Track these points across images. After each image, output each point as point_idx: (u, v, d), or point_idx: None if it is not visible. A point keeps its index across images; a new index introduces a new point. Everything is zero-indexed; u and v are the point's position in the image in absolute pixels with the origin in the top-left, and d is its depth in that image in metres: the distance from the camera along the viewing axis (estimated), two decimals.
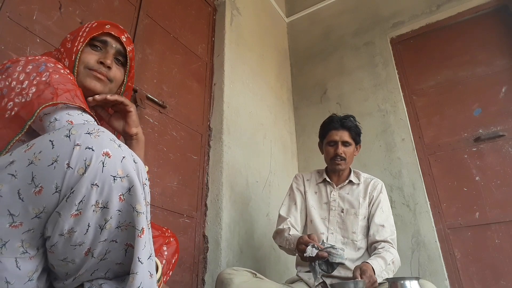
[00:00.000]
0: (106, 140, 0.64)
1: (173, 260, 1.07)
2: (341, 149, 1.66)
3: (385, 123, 2.61)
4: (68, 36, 0.98)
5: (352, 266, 1.53)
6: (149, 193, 0.72)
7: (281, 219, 1.70)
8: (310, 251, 1.29)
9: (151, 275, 0.68)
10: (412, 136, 2.50)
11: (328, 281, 1.50)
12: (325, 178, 1.74)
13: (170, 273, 1.06)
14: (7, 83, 0.79)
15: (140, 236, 0.66)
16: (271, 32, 3.16)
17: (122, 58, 1.00)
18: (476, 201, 2.23)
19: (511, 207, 2.12)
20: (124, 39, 0.99)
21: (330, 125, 1.71)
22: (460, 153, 2.38)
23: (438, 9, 2.72)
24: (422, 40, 2.79)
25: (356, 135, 1.70)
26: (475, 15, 2.64)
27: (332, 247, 1.28)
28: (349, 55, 3.00)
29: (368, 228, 1.62)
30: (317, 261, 1.30)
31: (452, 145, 2.41)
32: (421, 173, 2.37)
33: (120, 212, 0.65)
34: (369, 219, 1.63)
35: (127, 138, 0.98)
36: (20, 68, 0.81)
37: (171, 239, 1.08)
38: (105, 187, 0.63)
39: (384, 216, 1.60)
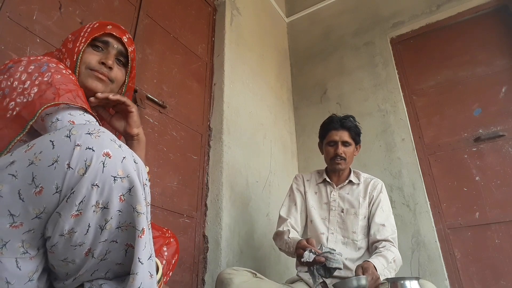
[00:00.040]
0: (106, 140, 0.64)
1: (173, 261, 1.07)
2: (341, 149, 1.66)
3: (385, 123, 2.61)
4: (70, 36, 0.98)
5: (352, 266, 1.53)
6: (150, 193, 0.72)
7: (281, 220, 1.70)
8: (307, 256, 1.29)
9: (151, 275, 0.68)
10: (412, 136, 2.50)
11: (329, 281, 1.50)
12: (325, 178, 1.75)
13: (170, 273, 1.06)
14: (9, 83, 0.79)
15: (140, 237, 0.66)
16: (271, 32, 3.16)
17: (123, 59, 1.00)
18: (476, 201, 2.23)
19: (511, 207, 2.12)
20: (126, 40, 0.99)
21: (330, 125, 1.72)
22: (460, 153, 2.38)
23: (438, 9, 2.72)
24: (422, 40, 2.79)
25: (356, 135, 1.70)
26: (475, 15, 2.64)
27: (329, 252, 1.28)
28: (349, 55, 3.00)
29: (368, 228, 1.62)
30: (314, 266, 1.30)
31: (452, 145, 2.41)
32: (421, 173, 2.37)
33: (120, 213, 0.65)
34: (370, 218, 1.63)
35: (128, 139, 0.98)
36: (22, 68, 0.81)
37: (171, 239, 1.08)
38: (106, 187, 0.63)
39: (385, 216, 1.60)
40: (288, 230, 1.59)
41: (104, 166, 0.62)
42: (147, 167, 0.80)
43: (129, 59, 1.01)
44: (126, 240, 0.68)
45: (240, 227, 2.06)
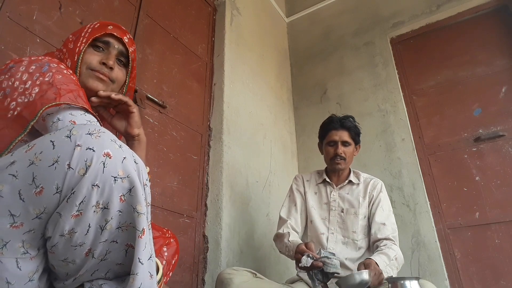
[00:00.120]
0: (107, 140, 0.64)
1: (173, 261, 1.07)
2: (341, 149, 1.67)
3: (385, 123, 2.61)
4: (71, 36, 0.98)
5: (352, 266, 1.53)
6: (150, 193, 0.72)
7: (281, 221, 1.70)
8: (305, 261, 1.29)
9: (151, 275, 0.68)
10: (412, 136, 2.50)
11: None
12: (325, 179, 1.75)
13: (170, 273, 1.06)
14: (10, 83, 0.79)
15: (140, 237, 0.66)
16: (271, 32, 3.16)
17: (124, 59, 1.01)
18: (476, 201, 2.23)
19: (511, 207, 2.12)
20: (126, 40, 1.00)
21: (329, 125, 1.72)
22: (460, 153, 2.38)
23: (438, 9, 2.72)
24: (422, 40, 2.79)
25: (355, 135, 1.71)
26: (475, 15, 2.64)
27: (327, 257, 1.29)
28: (349, 55, 3.00)
29: (369, 227, 1.63)
30: (313, 271, 1.30)
31: (452, 145, 2.41)
32: (421, 173, 2.38)
33: (120, 213, 0.65)
34: (370, 218, 1.63)
35: (129, 139, 0.98)
36: (23, 68, 0.82)
37: (171, 240, 1.08)
38: (106, 187, 0.63)
39: (385, 215, 1.61)
40: (288, 232, 1.59)
41: (104, 167, 0.62)
42: (148, 168, 0.80)
43: (130, 59, 1.01)
44: (126, 240, 0.68)
45: (240, 227, 2.06)
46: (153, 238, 0.84)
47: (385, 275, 1.34)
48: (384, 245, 1.49)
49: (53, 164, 0.60)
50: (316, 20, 3.35)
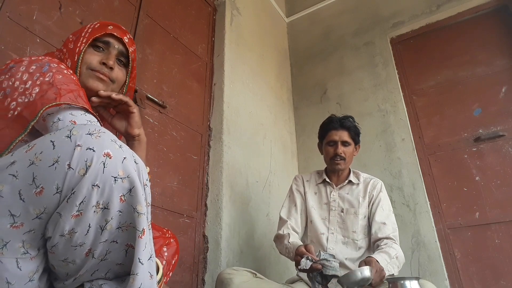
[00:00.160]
0: (107, 140, 0.64)
1: (173, 261, 1.07)
2: (341, 148, 1.67)
3: (385, 123, 2.61)
4: (71, 36, 0.98)
5: (352, 266, 1.53)
6: (150, 193, 0.72)
7: (281, 221, 1.70)
8: (304, 264, 1.29)
9: (151, 276, 0.68)
10: (412, 136, 2.50)
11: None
12: (324, 179, 1.75)
13: (170, 274, 1.06)
14: (10, 83, 0.79)
15: (140, 237, 0.66)
16: (271, 32, 3.16)
17: (124, 59, 1.01)
18: (476, 201, 2.23)
19: (511, 207, 2.13)
20: (127, 40, 1.00)
21: (329, 125, 1.72)
22: (460, 153, 2.38)
23: (438, 9, 2.72)
24: (422, 40, 2.79)
25: (355, 135, 1.71)
26: (475, 15, 2.64)
27: (326, 259, 1.29)
28: (349, 55, 3.00)
29: (369, 227, 1.63)
30: (312, 273, 1.30)
31: (452, 145, 2.41)
32: (421, 173, 2.38)
33: (120, 213, 0.65)
34: (370, 218, 1.63)
35: (129, 139, 0.98)
36: (24, 68, 0.82)
37: (171, 240, 1.08)
38: (106, 188, 0.63)
39: (385, 214, 1.61)
40: (288, 234, 1.59)
41: (104, 167, 0.62)
42: (148, 168, 0.80)
43: (130, 59, 1.01)
44: (126, 240, 0.68)
45: (240, 227, 2.06)
46: (153, 238, 0.84)
47: (387, 273, 1.33)
48: (384, 244, 1.49)
49: (53, 164, 0.60)
50: (316, 20, 3.35)
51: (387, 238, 1.53)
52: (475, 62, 2.53)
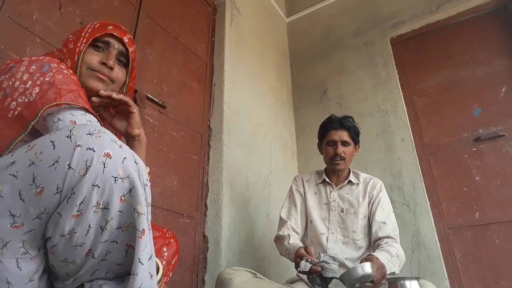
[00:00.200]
0: (107, 141, 0.64)
1: (173, 261, 1.07)
2: (341, 148, 1.67)
3: (385, 123, 2.61)
4: (71, 36, 0.98)
5: (352, 266, 1.53)
6: (150, 193, 0.72)
7: (281, 222, 1.71)
8: (304, 266, 1.30)
9: (151, 276, 0.68)
10: (412, 136, 2.50)
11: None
12: (324, 179, 1.75)
13: (170, 274, 1.06)
14: (10, 83, 0.79)
15: (140, 237, 0.66)
16: (271, 32, 3.16)
17: (124, 59, 1.01)
18: (476, 201, 2.23)
19: (511, 207, 2.13)
20: (127, 40, 1.00)
21: (329, 125, 1.72)
22: (460, 153, 2.38)
23: (438, 9, 2.72)
24: (422, 40, 2.79)
25: (355, 135, 1.71)
26: (475, 15, 2.64)
27: (325, 261, 1.29)
28: (349, 55, 3.00)
29: (369, 227, 1.63)
30: (311, 275, 1.30)
31: (452, 145, 2.41)
32: (421, 173, 2.38)
33: (121, 213, 0.65)
34: (370, 217, 1.63)
35: (129, 139, 0.98)
36: (24, 68, 0.82)
37: (171, 240, 1.08)
38: (106, 188, 0.63)
39: (385, 214, 1.61)
40: (289, 235, 1.59)
41: (104, 167, 0.62)
42: (148, 168, 0.80)
43: (130, 59, 1.01)
44: (126, 240, 0.68)
45: (240, 227, 2.06)
46: (153, 238, 0.84)
47: (388, 271, 1.33)
48: (385, 243, 1.49)
49: (53, 164, 0.60)
50: (316, 20, 3.35)
51: (387, 237, 1.53)
52: (475, 62, 2.53)
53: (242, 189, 2.18)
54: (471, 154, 2.34)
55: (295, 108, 3.13)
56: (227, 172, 2.08)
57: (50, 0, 1.50)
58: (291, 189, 1.80)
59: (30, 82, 0.79)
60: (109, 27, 0.97)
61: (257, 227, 2.20)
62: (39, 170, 0.60)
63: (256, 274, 1.46)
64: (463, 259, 2.16)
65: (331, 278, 1.28)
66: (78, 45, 0.93)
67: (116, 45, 0.98)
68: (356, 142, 1.73)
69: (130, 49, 1.00)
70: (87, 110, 0.80)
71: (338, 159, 1.67)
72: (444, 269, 2.11)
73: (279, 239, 1.64)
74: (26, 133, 0.75)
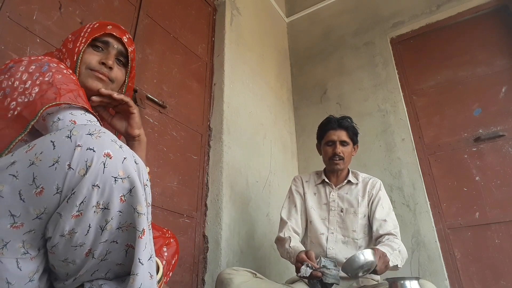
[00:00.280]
0: (107, 141, 0.64)
1: (173, 261, 1.07)
2: (339, 148, 1.67)
3: (385, 123, 2.61)
4: (70, 36, 0.98)
5: None
6: (150, 194, 0.72)
7: (282, 222, 1.71)
8: (304, 271, 1.29)
9: (151, 276, 0.68)
10: (412, 136, 2.50)
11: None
12: (324, 179, 1.75)
13: (170, 274, 1.06)
14: (9, 83, 0.79)
15: (140, 237, 0.66)
16: (271, 32, 3.16)
17: (123, 59, 1.01)
18: (476, 201, 2.23)
19: (511, 207, 2.13)
20: (126, 40, 0.99)
21: (328, 125, 1.73)
22: (460, 153, 2.38)
23: (438, 9, 2.72)
24: (422, 40, 2.79)
25: (353, 134, 1.71)
26: (475, 15, 2.64)
27: (326, 267, 1.28)
28: (349, 55, 3.00)
29: (369, 226, 1.63)
30: (312, 280, 1.30)
31: (452, 145, 2.41)
32: (421, 173, 2.38)
33: (121, 213, 0.65)
34: (370, 216, 1.63)
35: (129, 139, 0.98)
36: (23, 68, 0.82)
37: (171, 240, 1.08)
38: (106, 188, 0.62)
39: (385, 212, 1.61)
40: (289, 237, 1.58)
41: (104, 167, 0.62)
42: (148, 168, 0.80)
43: (129, 59, 1.01)
44: (126, 240, 0.68)
45: (240, 227, 2.06)
46: (153, 238, 0.84)
47: (391, 264, 1.33)
48: (386, 239, 1.50)
49: (53, 164, 0.60)
50: (316, 20, 3.35)
51: (388, 234, 1.53)
52: (475, 62, 2.53)
53: (242, 189, 2.18)
54: (471, 154, 2.34)
55: (295, 108, 3.13)
56: (227, 172, 2.08)
57: (50, 0, 1.50)
58: (290, 189, 1.80)
59: (29, 82, 0.79)
60: (108, 27, 0.97)
61: (257, 227, 2.20)
62: (39, 170, 0.60)
63: (256, 274, 1.46)
64: (463, 259, 2.16)
65: (332, 284, 1.28)
66: (77, 45, 0.93)
67: (116, 44, 0.98)
68: (355, 142, 1.73)
69: (130, 49, 1.00)
70: (86, 110, 0.80)
71: (337, 159, 1.67)
72: (444, 269, 2.11)
73: (280, 241, 1.64)
74: (25, 132, 0.75)
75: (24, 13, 1.38)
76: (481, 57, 2.52)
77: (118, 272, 0.72)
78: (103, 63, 0.94)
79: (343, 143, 1.69)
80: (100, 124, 0.82)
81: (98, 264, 0.68)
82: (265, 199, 2.35)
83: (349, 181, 1.72)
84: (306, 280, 1.44)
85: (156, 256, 0.97)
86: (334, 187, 1.73)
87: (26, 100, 0.76)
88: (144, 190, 0.68)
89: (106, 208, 0.64)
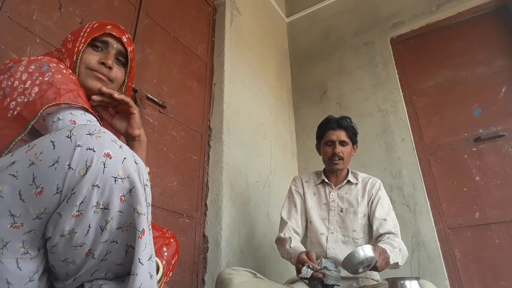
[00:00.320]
0: (107, 141, 0.64)
1: (173, 261, 1.07)
2: (339, 148, 1.67)
3: (385, 123, 2.61)
4: (69, 36, 0.98)
5: None
6: (150, 194, 0.72)
7: (282, 222, 1.71)
8: (305, 272, 1.29)
9: (151, 276, 0.68)
10: (412, 136, 2.50)
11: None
12: (323, 179, 1.75)
13: (170, 273, 1.06)
14: (9, 83, 0.79)
15: (140, 237, 0.66)
16: (271, 32, 3.16)
17: (123, 59, 1.01)
18: (476, 201, 2.23)
19: (511, 207, 2.12)
20: (125, 40, 0.99)
21: (327, 125, 1.73)
22: (460, 153, 2.38)
23: (438, 9, 2.72)
24: (422, 40, 2.79)
25: (353, 134, 1.72)
26: (475, 15, 2.64)
27: (327, 268, 1.28)
28: (349, 55, 3.00)
29: (369, 226, 1.63)
30: (312, 281, 1.30)
31: (452, 145, 2.41)
32: (421, 173, 2.38)
33: (121, 213, 0.65)
34: (370, 216, 1.63)
35: (130, 140, 0.98)
36: (23, 68, 0.82)
37: (171, 240, 1.08)
38: (106, 188, 0.62)
39: (385, 211, 1.61)
40: (290, 237, 1.58)
41: (104, 167, 0.62)
42: (148, 168, 0.80)
43: (129, 59, 1.01)
44: (126, 240, 0.68)
45: (240, 227, 2.06)
46: (153, 238, 0.84)
47: (391, 261, 1.33)
48: (387, 238, 1.50)
49: (53, 164, 0.60)
50: (316, 20, 3.35)
51: (389, 232, 1.53)
52: (475, 62, 2.53)
53: (242, 189, 2.18)
54: (471, 154, 2.34)
55: (295, 108, 3.13)
56: (227, 172, 2.08)
57: (50, 0, 1.50)
58: (290, 190, 1.80)
59: (29, 82, 0.79)
60: (107, 27, 0.97)
61: (257, 227, 2.20)
62: (39, 170, 0.60)
63: (256, 274, 1.46)
64: (463, 259, 2.16)
65: (333, 285, 1.28)
66: (77, 45, 0.93)
67: (115, 44, 0.98)
68: (354, 142, 1.73)
69: (129, 49, 1.00)
70: (86, 110, 0.80)
71: (337, 158, 1.67)
72: (444, 269, 2.11)
73: (280, 241, 1.64)
74: (25, 132, 0.75)
75: (24, 13, 1.38)
76: (481, 57, 2.52)
77: (118, 272, 0.72)
78: (102, 63, 0.94)
79: (342, 143, 1.69)
80: (100, 124, 0.82)
81: (98, 264, 0.68)
82: (265, 199, 2.35)
83: (348, 181, 1.72)
84: (307, 281, 1.44)
85: (156, 256, 0.97)
86: (333, 187, 1.73)
87: (25, 100, 0.76)
88: (144, 190, 0.68)
89: (106, 208, 0.64)
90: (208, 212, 2.01)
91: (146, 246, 0.67)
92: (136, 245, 0.66)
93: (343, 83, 2.93)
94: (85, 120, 0.78)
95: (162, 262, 1.00)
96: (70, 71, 0.87)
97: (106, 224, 0.65)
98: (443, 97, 2.56)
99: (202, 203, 2.02)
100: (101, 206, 0.63)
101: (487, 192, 2.21)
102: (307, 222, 1.72)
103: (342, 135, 1.69)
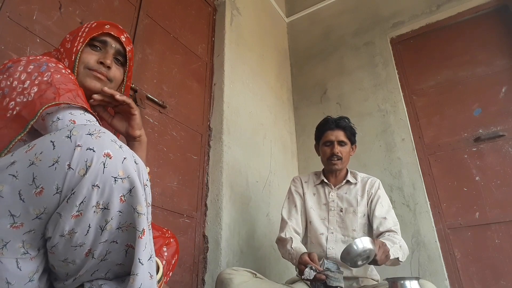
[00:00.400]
0: (107, 141, 0.64)
1: (173, 261, 1.07)
2: (337, 148, 1.67)
3: (385, 123, 2.61)
4: (68, 36, 0.98)
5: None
6: (150, 194, 0.72)
7: (283, 222, 1.71)
8: (308, 274, 1.29)
9: (151, 276, 0.68)
10: (412, 136, 2.50)
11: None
12: (322, 180, 1.75)
13: (170, 273, 1.06)
14: (8, 83, 0.79)
15: (140, 237, 0.66)
16: (271, 32, 3.16)
17: (121, 58, 1.01)
18: (476, 201, 2.23)
19: (511, 207, 2.12)
20: (124, 39, 0.99)
21: (325, 126, 1.73)
22: (460, 153, 2.38)
23: (438, 9, 2.72)
24: (422, 40, 2.79)
25: (351, 134, 1.72)
26: (475, 15, 2.64)
27: (330, 270, 1.28)
28: (349, 55, 3.00)
29: (369, 225, 1.64)
30: (315, 283, 1.30)
31: (452, 145, 2.41)
32: (421, 173, 2.37)
33: (120, 213, 0.65)
34: (370, 215, 1.63)
35: (130, 140, 0.98)
36: (22, 68, 0.82)
37: (171, 240, 1.08)
38: (106, 188, 0.62)
39: (385, 210, 1.61)
40: (291, 237, 1.58)
41: (104, 167, 0.62)
42: (148, 168, 0.80)
43: (127, 58, 1.01)
44: (126, 240, 0.68)
45: (240, 227, 2.06)
46: (153, 238, 0.84)
47: (392, 256, 1.32)
48: (387, 235, 1.50)
49: (53, 164, 0.60)
50: (316, 20, 3.35)
51: (389, 231, 1.53)
52: (475, 62, 2.53)
53: (242, 189, 2.18)
54: (471, 154, 2.34)
55: (295, 108, 3.13)
56: (227, 172, 2.08)
57: (50, 0, 1.50)
58: (290, 190, 1.81)
59: (28, 81, 0.79)
60: (106, 26, 0.97)
61: (257, 227, 2.20)
62: (39, 170, 0.60)
63: (256, 274, 1.46)
64: (463, 259, 2.16)
65: (336, 287, 1.28)
66: (76, 44, 0.93)
67: (114, 44, 0.98)
68: (352, 142, 1.73)
69: (128, 48, 1.00)
70: (86, 110, 0.80)
71: (335, 159, 1.67)
72: (444, 269, 2.11)
73: (281, 242, 1.64)
74: (25, 132, 0.75)
75: (24, 13, 1.38)
76: (481, 57, 2.52)
77: (118, 272, 0.72)
78: (101, 63, 0.95)
79: (341, 143, 1.69)
80: (99, 124, 0.82)
81: (98, 264, 0.68)
82: (265, 199, 2.35)
83: (348, 181, 1.72)
84: (309, 282, 1.44)
85: (156, 256, 0.97)
86: (333, 187, 1.73)
87: (25, 100, 0.76)
88: (144, 190, 0.68)
89: (106, 208, 0.64)
90: (208, 212, 2.01)
91: (146, 246, 0.67)
92: (136, 245, 0.66)
93: (343, 83, 2.93)
94: (85, 120, 0.78)
95: (162, 262, 1.00)
96: (69, 71, 0.87)
97: (106, 224, 0.65)
98: (443, 97, 2.56)
99: (202, 203, 2.02)
100: (101, 206, 0.63)
101: (487, 192, 2.21)
102: (307, 222, 1.72)
103: (340, 135, 1.69)
